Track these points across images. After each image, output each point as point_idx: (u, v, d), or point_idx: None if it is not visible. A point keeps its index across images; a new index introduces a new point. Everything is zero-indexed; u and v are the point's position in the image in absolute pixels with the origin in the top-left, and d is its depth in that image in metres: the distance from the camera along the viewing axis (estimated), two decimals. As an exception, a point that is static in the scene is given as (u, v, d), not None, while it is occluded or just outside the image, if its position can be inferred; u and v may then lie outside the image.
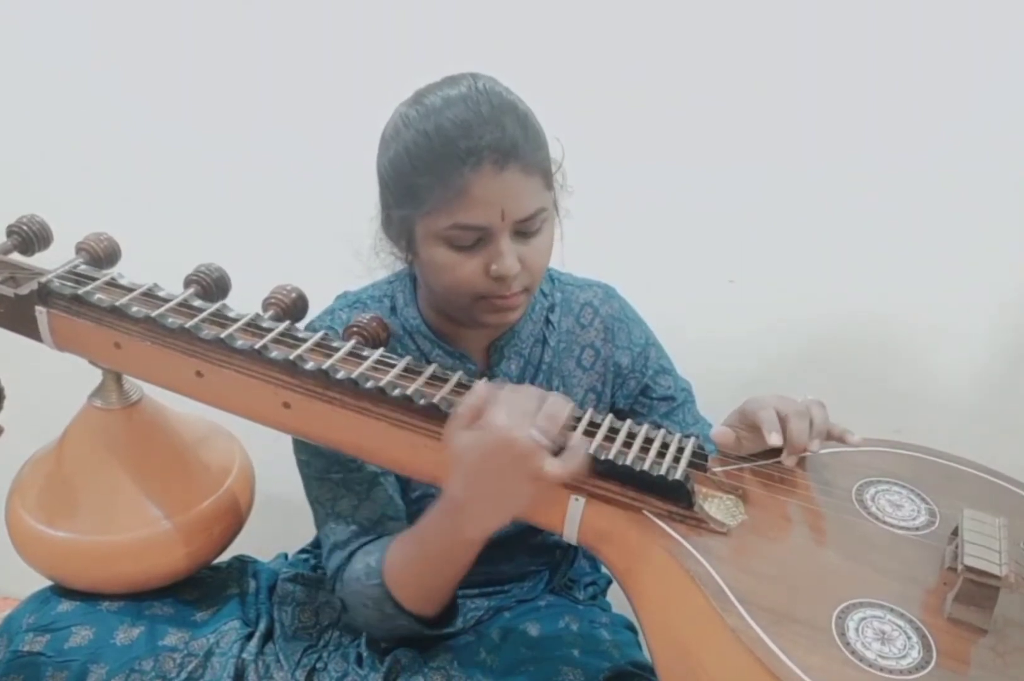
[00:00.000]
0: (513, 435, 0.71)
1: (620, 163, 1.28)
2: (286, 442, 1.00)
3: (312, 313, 0.98)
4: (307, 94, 1.30)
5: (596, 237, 1.29)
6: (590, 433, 0.82)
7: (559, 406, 0.75)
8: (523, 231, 0.87)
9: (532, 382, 1.01)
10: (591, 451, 0.77)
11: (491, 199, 0.83)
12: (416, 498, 0.99)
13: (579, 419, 0.83)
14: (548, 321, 1.02)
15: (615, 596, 1.15)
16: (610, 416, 0.85)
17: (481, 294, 0.88)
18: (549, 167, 0.89)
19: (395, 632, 0.94)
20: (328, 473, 0.95)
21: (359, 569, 0.90)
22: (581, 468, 0.75)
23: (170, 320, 0.86)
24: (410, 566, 0.87)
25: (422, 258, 0.90)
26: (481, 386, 0.77)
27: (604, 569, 1.16)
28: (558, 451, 0.75)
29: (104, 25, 1.34)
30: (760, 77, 1.23)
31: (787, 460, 0.82)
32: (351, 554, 0.92)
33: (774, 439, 0.80)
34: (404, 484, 0.99)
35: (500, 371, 1.00)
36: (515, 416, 0.73)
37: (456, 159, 0.82)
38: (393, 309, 1.00)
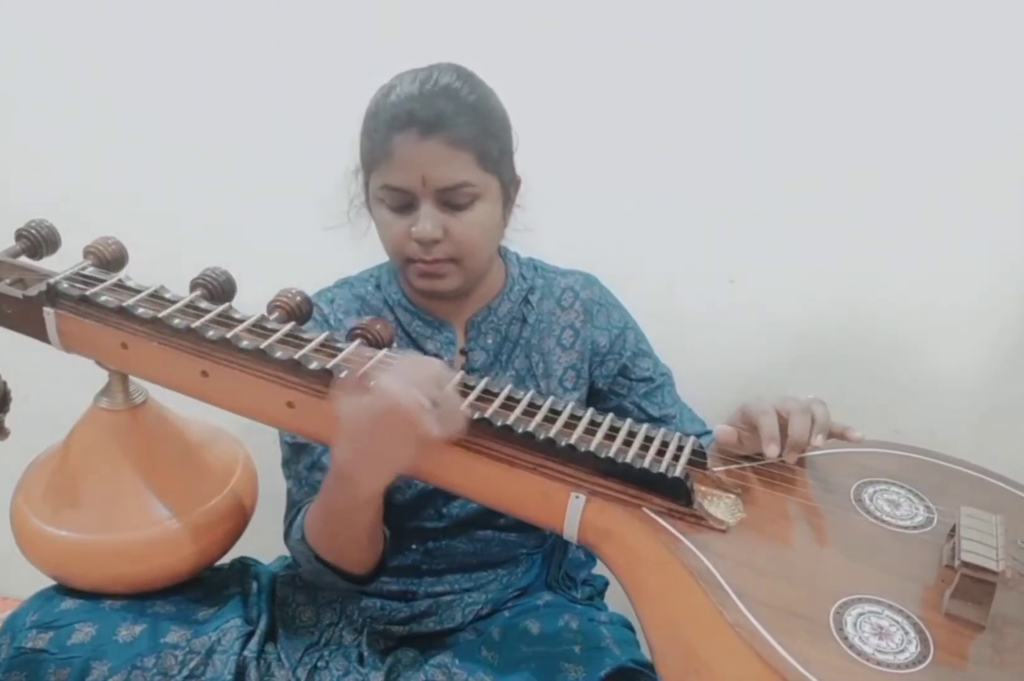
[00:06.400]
0: (400, 399, 0.75)
1: (620, 162, 1.29)
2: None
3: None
4: (313, 97, 1.31)
5: (596, 236, 1.31)
6: (590, 432, 0.83)
7: (444, 373, 0.80)
8: (450, 202, 0.93)
9: (509, 356, 1.07)
10: (467, 411, 0.80)
11: (412, 163, 0.91)
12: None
13: (559, 413, 0.84)
14: (527, 301, 1.08)
15: (612, 598, 1.15)
16: (610, 415, 0.86)
17: (408, 257, 0.95)
18: (491, 152, 0.94)
19: (336, 587, 0.99)
20: (295, 437, 1.00)
21: (295, 525, 0.98)
22: (461, 428, 0.78)
23: (176, 321, 0.87)
24: (320, 524, 0.92)
25: (373, 219, 0.99)
26: (364, 352, 0.82)
27: (599, 568, 1.16)
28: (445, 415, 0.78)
29: (105, 30, 1.34)
30: (762, 76, 1.23)
31: (789, 456, 0.84)
32: (298, 511, 0.99)
33: (772, 449, 0.83)
34: None
35: (476, 344, 1.05)
36: (402, 381, 0.76)
37: (389, 124, 0.92)
38: (378, 287, 1.08)
